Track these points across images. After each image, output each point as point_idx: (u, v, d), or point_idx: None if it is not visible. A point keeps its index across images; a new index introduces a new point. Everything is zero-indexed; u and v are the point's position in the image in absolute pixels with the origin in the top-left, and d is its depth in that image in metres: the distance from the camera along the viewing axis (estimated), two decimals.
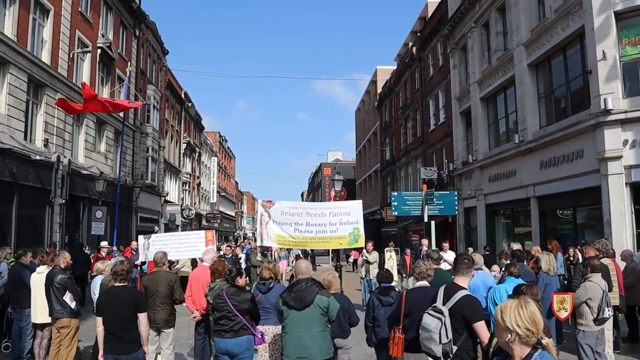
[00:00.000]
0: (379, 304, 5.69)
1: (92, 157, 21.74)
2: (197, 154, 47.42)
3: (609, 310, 6.11)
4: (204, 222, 48.72)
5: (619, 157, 12.77)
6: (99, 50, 22.14)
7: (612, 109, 12.65)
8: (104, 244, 12.95)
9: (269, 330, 5.64)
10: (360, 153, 52.40)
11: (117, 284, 5.00)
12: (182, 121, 41.32)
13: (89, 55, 21.25)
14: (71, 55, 19.56)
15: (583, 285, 6.24)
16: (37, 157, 16.26)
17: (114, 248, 11.79)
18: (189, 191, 43.29)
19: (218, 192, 60.33)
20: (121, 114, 21.42)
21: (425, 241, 12.81)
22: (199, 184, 48.70)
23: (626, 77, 13.17)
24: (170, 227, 33.58)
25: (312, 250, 33.11)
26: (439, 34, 26.13)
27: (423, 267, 5.06)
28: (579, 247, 7.74)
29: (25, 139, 16.37)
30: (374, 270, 12.50)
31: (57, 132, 18.35)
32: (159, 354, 6.42)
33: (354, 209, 11.64)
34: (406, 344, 4.94)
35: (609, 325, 7.69)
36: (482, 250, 17.31)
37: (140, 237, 12.01)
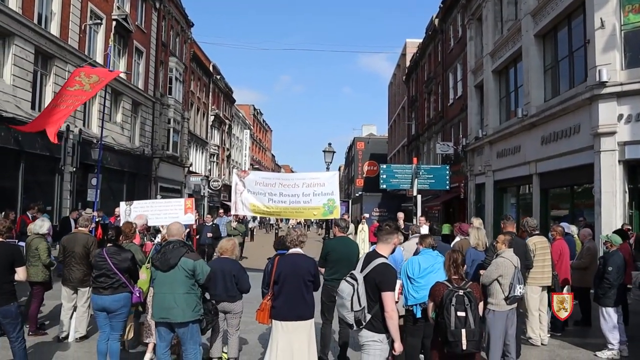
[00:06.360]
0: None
1: (107, 127, 22.32)
2: (227, 126, 47.98)
3: (520, 288, 5.85)
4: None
5: (613, 133, 12.07)
6: (114, 22, 22.57)
7: (607, 81, 11.93)
8: (88, 211, 13.44)
9: None
10: (392, 128, 51.57)
11: None
12: (210, 93, 41.84)
13: (102, 27, 21.75)
14: (83, 27, 20.08)
15: (494, 262, 5.97)
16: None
17: (95, 213, 12.24)
18: (217, 163, 44.04)
19: (251, 164, 61.09)
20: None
21: (401, 214, 12.62)
22: (228, 156, 49.40)
23: (627, 48, 12.33)
24: (195, 198, 34.36)
25: (317, 221, 33.32)
26: (459, 4, 25.17)
27: (294, 235, 5.02)
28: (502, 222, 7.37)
29: (32, 108, 17.05)
30: None
31: None
32: (75, 311, 6.69)
33: (329, 180, 11.60)
34: (274, 311, 4.92)
35: (542, 308, 7.40)
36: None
37: (122, 204, 12.38)
